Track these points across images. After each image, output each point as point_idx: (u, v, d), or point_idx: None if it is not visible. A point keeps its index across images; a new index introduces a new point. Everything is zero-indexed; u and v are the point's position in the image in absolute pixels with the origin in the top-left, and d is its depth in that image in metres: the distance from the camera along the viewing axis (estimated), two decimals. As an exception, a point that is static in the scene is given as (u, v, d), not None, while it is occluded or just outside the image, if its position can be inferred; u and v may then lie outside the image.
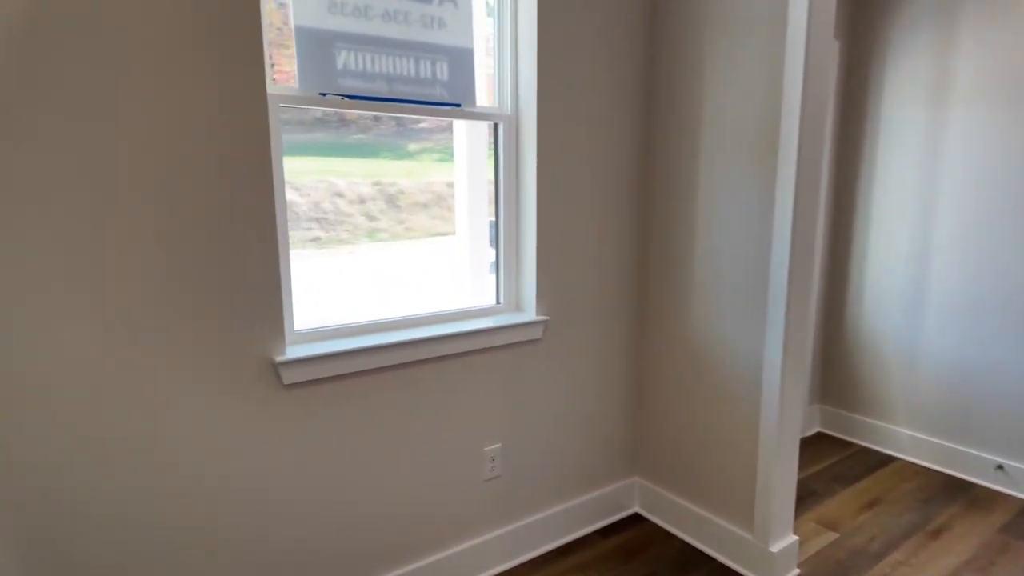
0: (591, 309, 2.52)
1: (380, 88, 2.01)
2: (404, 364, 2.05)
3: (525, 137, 2.29)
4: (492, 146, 2.36)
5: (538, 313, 2.36)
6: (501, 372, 2.30)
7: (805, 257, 2.20)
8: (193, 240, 1.60)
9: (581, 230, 2.43)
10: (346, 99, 1.95)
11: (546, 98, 2.24)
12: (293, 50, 1.85)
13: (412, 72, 2.07)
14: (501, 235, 2.39)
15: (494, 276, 2.44)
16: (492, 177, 2.38)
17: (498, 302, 2.43)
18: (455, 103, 2.17)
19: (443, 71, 2.14)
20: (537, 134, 2.25)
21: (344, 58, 1.93)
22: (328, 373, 1.86)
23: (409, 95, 2.07)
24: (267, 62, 1.78)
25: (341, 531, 1.98)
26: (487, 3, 2.27)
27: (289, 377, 1.78)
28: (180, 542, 1.68)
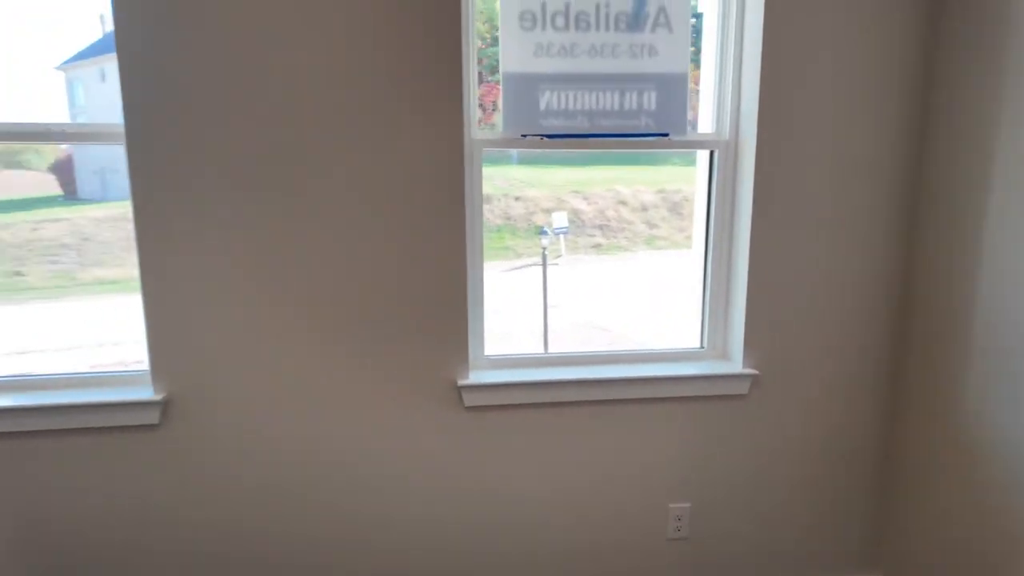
0: (821, 368, 2.12)
1: (581, 125, 2.01)
2: (587, 402, 2.02)
3: (743, 166, 2.03)
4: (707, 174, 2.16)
5: (746, 365, 2.08)
6: (695, 425, 2.10)
7: None
8: (395, 270, 1.84)
9: (811, 276, 2.06)
10: (545, 139, 2.00)
11: (770, 123, 1.95)
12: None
13: (616, 105, 2.02)
14: (708, 271, 2.17)
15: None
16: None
17: (701, 346, 2.22)
18: (663, 133, 2.05)
19: (650, 100, 2.03)
20: (756, 163, 1.97)
21: (547, 98, 1.98)
22: (508, 401, 1.95)
23: (611, 129, 2.03)
24: (470, 111, 1.93)
25: (500, 557, 2.06)
26: (699, 20, 2.08)
27: (470, 400, 1.92)
28: (363, 525, 1.96)
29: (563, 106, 2.00)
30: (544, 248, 9.64)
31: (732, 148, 2.08)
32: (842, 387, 2.15)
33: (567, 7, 1.94)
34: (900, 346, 2.15)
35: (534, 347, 8.88)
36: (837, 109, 1.97)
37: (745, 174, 2.03)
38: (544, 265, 9.33)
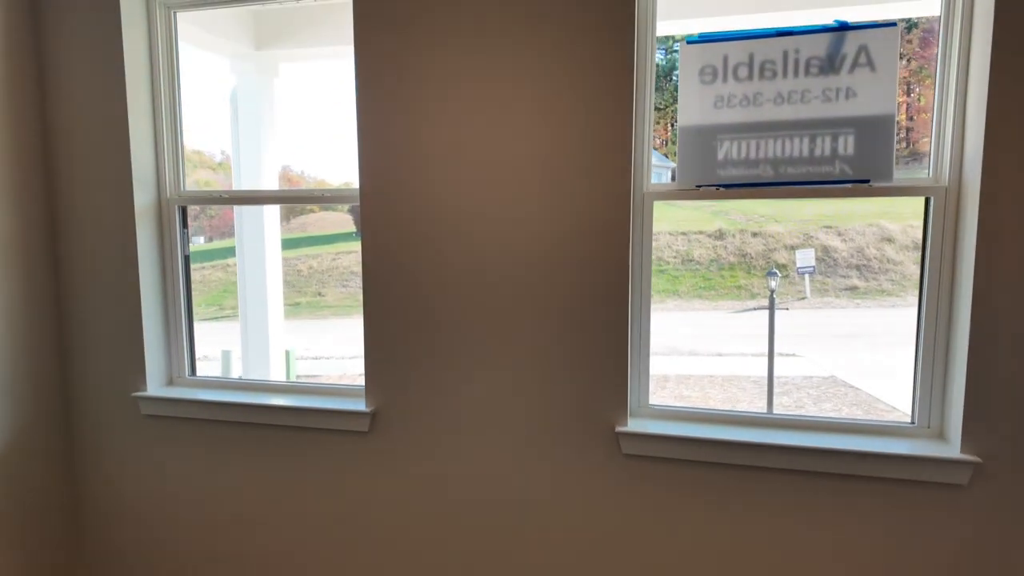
0: (1083, 463, 1.67)
1: (763, 173, 1.96)
2: (755, 468, 1.91)
3: (967, 215, 1.74)
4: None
5: (964, 449, 1.75)
6: (891, 519, 1.82)
7: None
8: (563, 316, 2.00)
9: (1067, 345, 1.65)
10: (722, 189, 1.99)
11: (999, 165, 1.65)
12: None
13: (805, 152, 1.92)
14: (922, 334, 1.89)
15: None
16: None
17: (913, 421, 1.92)
18: (862, 179, 1.88)
19: (847, 145, 1.88)
20: (980, 212, 1.68)
21: (726, 149, 1.98)
22: (667, 454, 1.95)
23: (799, 177, 1.93)
24: (643, 164, 2.02)
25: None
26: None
27: (628, 448, 1.97)
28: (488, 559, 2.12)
29: (743, 155, 1.97)
30: (772, 291, 8.89)
31: (954, 196, 1.80)
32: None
33: (751, 57, 1.93)
34: None
35: (757, 400, 8.18)
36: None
37: (968, 228, 1.73)
38: (771, 309, 8.60)
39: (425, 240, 2.09)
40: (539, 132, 1.97)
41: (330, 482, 2.26)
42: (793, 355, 9.55)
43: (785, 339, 9.67)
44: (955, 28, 1.77)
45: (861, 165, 1.88)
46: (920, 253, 1.92)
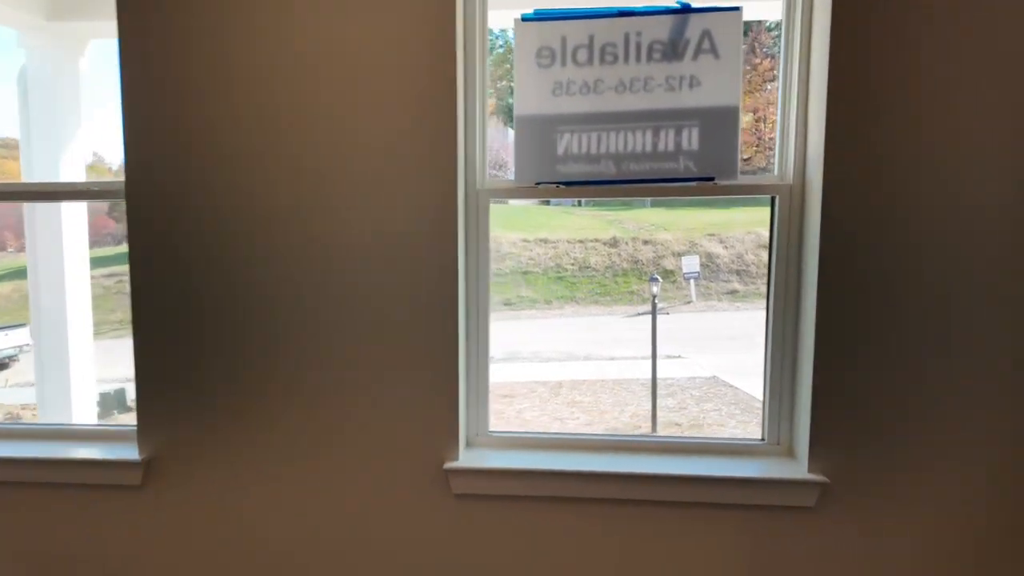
0: (936, 482, 1.59)
1: (606, 170, 1.76)
2: (599, 500, 1.69)
3: (812, 214, 1.63)
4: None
5: (812, 469, 1.62)
6: (741, 542, 1.67)
7: None
8: (388, 333, 1.69)
9: (917, 353, 1.57)
10: (562, 187, 1.77)
11: (841, 161, 1.54)
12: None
13: (648, 147, 1.74)
14: (770, 342, 1.76)
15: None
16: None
17: (763, 438, 1.79)
18: (707, 177, 1.72)
19: (691, 140, 1.72)
20: (823, 210, 1.57)
21: (566, 142, 1.76)
22: (503, 490, 1.69)
23: (642, 174, 1.75)
24: (476, 159, 1.76)
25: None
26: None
27: (460, 486, 1.69)
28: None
29: (584, 150, 1.76)
30: (655, 296, 9.10)
31: (798, 195, 1.68)
32: (979, 493, 1.59)
33: (591, 39, 1.72)
34: (1054, 462, 1.54)
35: (645, 402, 8.30)
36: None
37: (812, 228, 1.62)
38: (654, 314, 8.79)
39: (221, 245, 1.70)
40: (358, 119, 1.66)
41: (92, 553, 1.79)
42: (679, 357, 9.83)
43: (672, 342, 9.94)
44: (795, 32, 1.66)
45: (706, 162, 1.72)
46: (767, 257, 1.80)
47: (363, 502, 1.74)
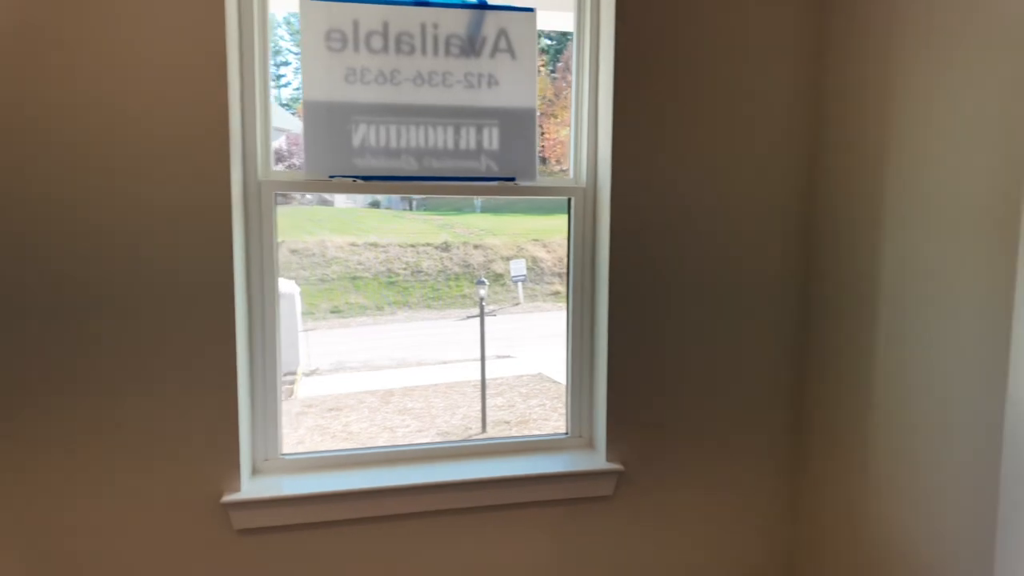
0: (709, 458, 1.74)
1: (406, 166, 1.67)
2: (404, 516, 1.60)
3: (603, 216, 1.70)
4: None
5: (610, 458, 1.69)
6: (548, 539, 1.69)
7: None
8: (161, 345, 1.43)
9: (689, 342, 1.71)
10: (359, 181, 1.65)
11: (627, 166, 1.63)
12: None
13: (450, 144, 1.68)
14: (570, 339, 1.81)
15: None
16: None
17: (567, 432, 1.83)
18: (508, 177, 1.71)
19: (492, 139, 1.70)
20: (611, 212, 1.64)
21: (363, 134, 1.64)
22: (294, 520, 1.52)
23: (444, 172, 1.69)
24: (258, 148, 1.57)
25: None
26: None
27: (241, 521, 1.48)
28: None
29: (383, 143, 1.66)
30: (482, 299, 9.30)
31: (591, 197, 1.75)
32: (738, 479, 1.77)
33: (385, 26, 1.63)
34: (797, 432, 1.79)
35: (477, 403, 8.41)
36: (707, 138, 1.66)
37: (604, 228, 1.69)
38: (482, 316, 8.96)
39: None
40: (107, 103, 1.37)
41: None
42: (508, 356, 10.13)
43: (502, 342, 10.21)
44: (585, 42, 1.72)
45: (506, 162, 1.72)
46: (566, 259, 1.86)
47: (133, 546, 1.45)
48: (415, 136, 1.67)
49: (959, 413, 1.32)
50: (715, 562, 1.78)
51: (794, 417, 1.78)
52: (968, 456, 1.30)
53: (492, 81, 1.69)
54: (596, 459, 1.71)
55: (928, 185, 1.38)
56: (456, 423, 8.91)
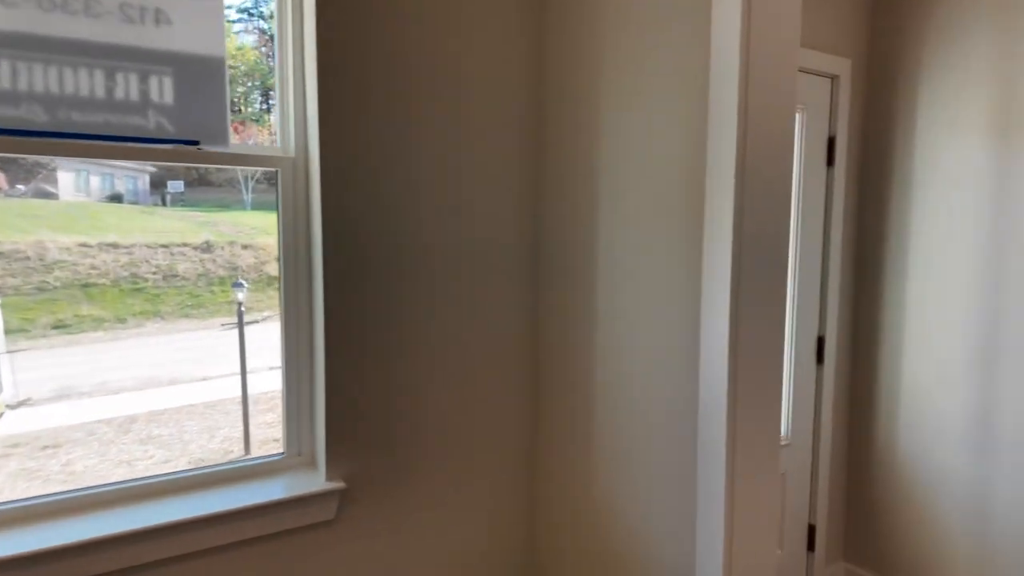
0: (446, 463, 1.60)
1: (30, 116, 1.23)
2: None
3: (316, 193, 1.45)
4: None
5: (331, 476, 1.45)
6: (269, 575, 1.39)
7: (756, 389, 1.24)
8: None
9: (422, 338, 1.54)
10: (-58, 132, 1.17)
11: (337, 135, 1.41)
12: None
13: (101, 92, 1.28)
14: (284, 342, 1.53)
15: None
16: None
17: (284, 451, 1.54)
18: (189, 140, 1.37)
19: (164, 91, 1.34)
20: (322, 187, 1.40)
21: (-51, 66, 1.16)
22: None
23: (91, 128, 1.28)
24: None
25: None
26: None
27: None
28: None
29: (-10, 82, 1.19)
30: (240, 303, 8.41)
31: (302, 169, 1.49)
32: (474, 486, 1.65)
33: (-14, -79, 1.17)
34: (532, 428, 1.75)
35: (240, 423, 7.54)
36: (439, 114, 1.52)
37: (317, 207, 1.44)
38: (240, 323, 8.10)
39: None
40: None
41: None
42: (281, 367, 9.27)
43: (274, 352, 9.31)
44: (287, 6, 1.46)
45: (187, 122, 1.37)
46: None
47: None
48: (43, 78, 1.24)
49: (661, 401, 1.35)
50: (455, 569, 1.66)
51: (531, 415, 1.74)
52: (673, 443, 1.34)
53: (162, 17, 1.33)
54: (315, 480, 1.46)
55: (627, 173, 1.40)
56: (215, 447, 7.84)
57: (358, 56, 1.41)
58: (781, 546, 2.27)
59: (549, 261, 1.68)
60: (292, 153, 1.48)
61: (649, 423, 1.40)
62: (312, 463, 1.53)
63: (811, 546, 2.33)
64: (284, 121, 1.50)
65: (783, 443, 2.21)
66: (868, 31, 2.28)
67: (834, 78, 2.17)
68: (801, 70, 2.08)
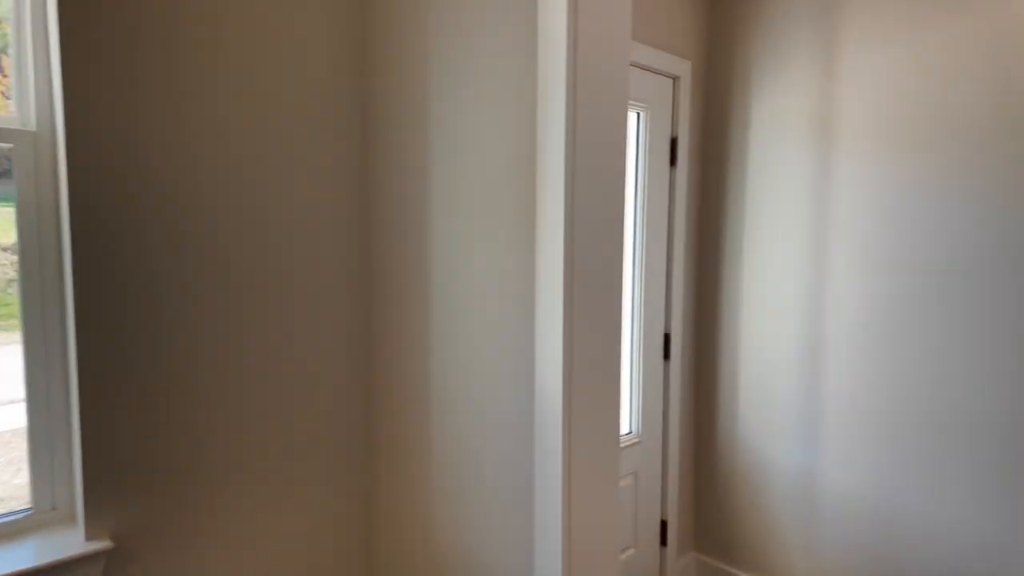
0: (251, 499, 1.36)
1: None
2: None
3: (64, 177, 1.14)
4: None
5: (92, 534, 1.16)
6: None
7: (593, 394, 1.16)
8: None
9: (209, 350, 1.29)
10: None
11: (91, 101, 1.12)
12: None
13: None
14: (27, 369, 1.21)
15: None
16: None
17: (32, 506, 1.21)
18: None
19: None
20: (69, 173, 1.11)
21: None
22: None
23: None
24: None
25: None
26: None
27: None
28: None
29: None
30: None
31: (48, 146, 1.18)
32: (295, 524, 1.43)
33: None
34: (371, 451, 1.56)
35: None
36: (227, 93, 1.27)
37: (64, 193, 1.14)
38: None
39: None
40: None
41: None
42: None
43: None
44: None
45: None
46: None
47: None
48: None
49: (496, 413, 1.23)
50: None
51: (363, 432, 1.55)
52: (510, 454, 1.22)
53: None
54: (73, 540, 1.16)
55: (458, 173, 1.26)
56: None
57: (98, 29, 1.13)
58: (635, 543, 2.28)
59: (380, 263, 1.50)
60: (33, 126, 1.16)
61: (485, 435, 1.27)
62: (70, 518, 1.22)
63: (664, 541, 2.36)
64: (22, 83, 1.17)
65: (633, 442, 2.21)
66: (707, 34, 2.34)
67: (676, 79, 2.20)
68: (645, 68, 2.08)
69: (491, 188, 1.21)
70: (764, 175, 2.23)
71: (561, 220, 1.09)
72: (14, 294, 1.24)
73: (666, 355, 2.30)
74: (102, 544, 1.15)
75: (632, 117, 2.13)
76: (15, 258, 1.21)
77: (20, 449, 1.22)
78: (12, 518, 1.20)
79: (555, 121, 1.09)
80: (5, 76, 1.21)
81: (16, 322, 1.23)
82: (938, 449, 1.91)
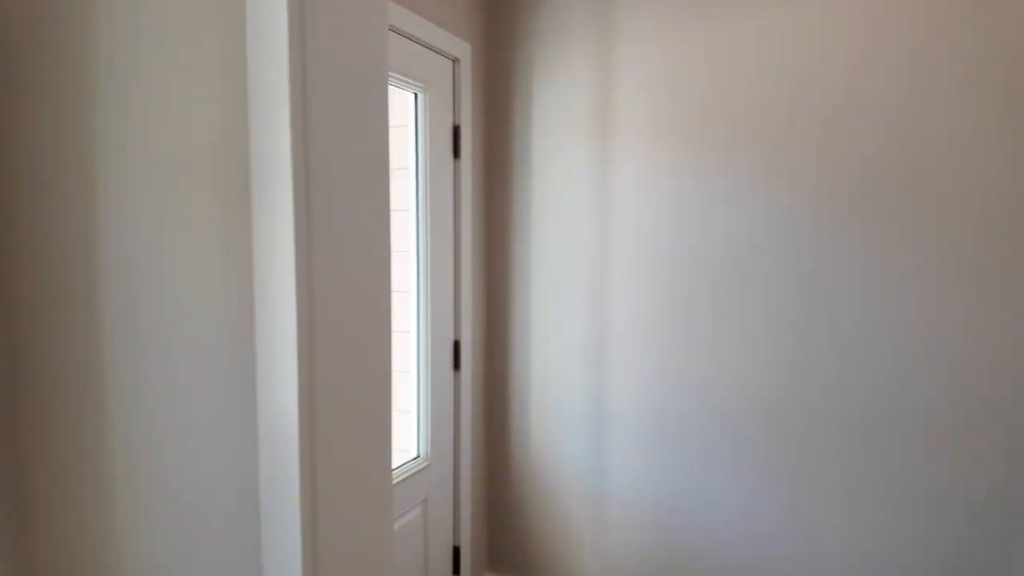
0: None
1: None
2: None
3: None
4: None
5: None
6: None
7: (348, 445, 0.88)
8: None
9: None
10: None
11: None
12: None
13: None
14: None
15: None
16: None
17: None
18: None
19: None
20: None
21: None
22: None
23: None
24: None
25: None
26: None
27: None
28: None
29: None
30: None
31: None
32: None
33: None
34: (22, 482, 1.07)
35: None
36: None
37: None
38: None
39: None
40: None
41: None
42: None
43: None
44: None
45: None
46: None
47: None
48: None
49: (206, 478, 0.87)
50: None
51: (12, 475, 1.05)
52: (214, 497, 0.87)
53: None
54: None
55: (141, 165, 0.87)
56: None
57: None
58: (426, 574, 2.04)
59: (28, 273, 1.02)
60: None
61: (196, 514, 0.90)
62: None
63: (456, 568, 2.16)
64: None
65: (422, 467, 1.96)
66: (487, 16, 2.18)
67: (456, 60, 2.00)
68: (420, 43, 1.83)
69: (187, 192, 0.85)
70: (550, 171, 2.14)
71: (291, 225, 0.78)
72: None
73: (456, 365, 2.09)
74: None
75: (408, 97, 1.87)
76: None
77: None
78: None
79: (276, 93, 0.78)
80: None
81: None
82: (702, 444, 1.99)
